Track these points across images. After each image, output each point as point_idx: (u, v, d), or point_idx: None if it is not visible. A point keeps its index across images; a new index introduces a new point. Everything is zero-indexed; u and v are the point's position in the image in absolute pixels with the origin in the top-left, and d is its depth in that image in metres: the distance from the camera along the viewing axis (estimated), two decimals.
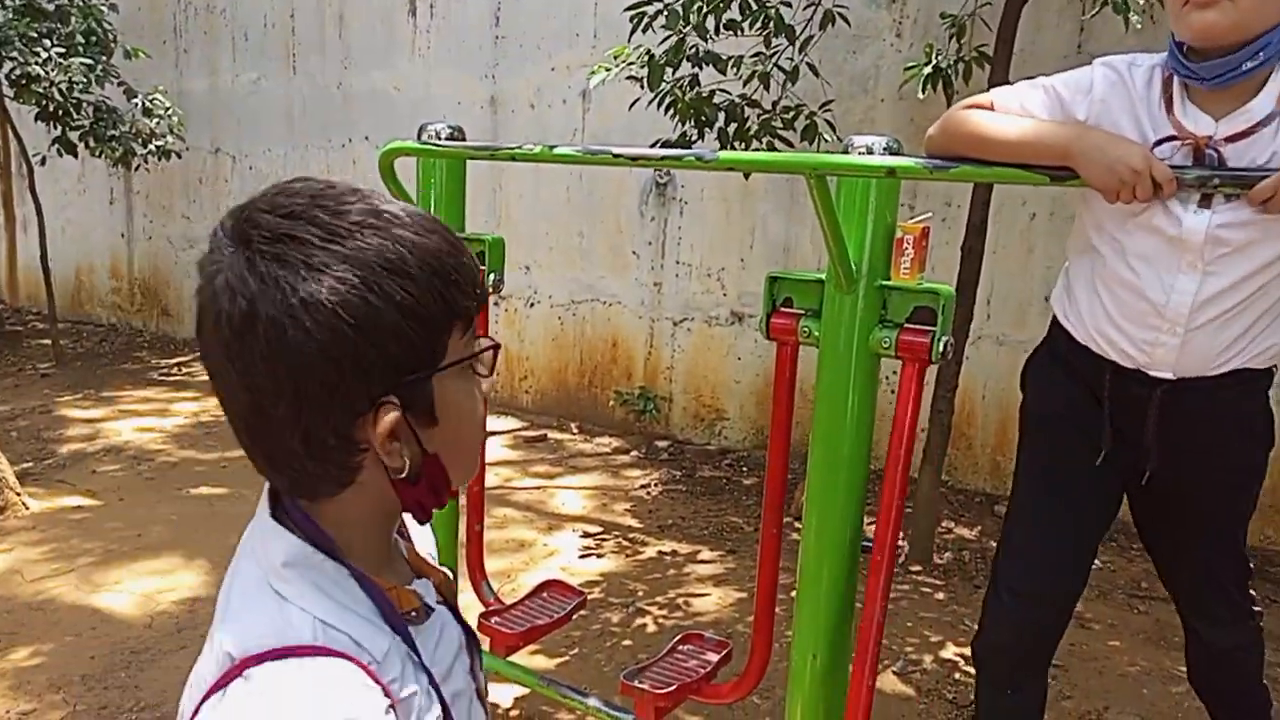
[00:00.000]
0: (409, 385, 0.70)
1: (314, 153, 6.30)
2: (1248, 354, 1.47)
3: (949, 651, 3.07)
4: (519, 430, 5.40)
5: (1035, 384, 1.72)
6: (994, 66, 3.28)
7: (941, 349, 1.66)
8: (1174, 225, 1.34)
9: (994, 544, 3.88)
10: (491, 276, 2.08)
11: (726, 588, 3.46)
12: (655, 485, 4.57)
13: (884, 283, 1.70)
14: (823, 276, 1.75)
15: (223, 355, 0.68)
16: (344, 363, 0.66)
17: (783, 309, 1.84)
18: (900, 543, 3.84)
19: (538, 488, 4.50)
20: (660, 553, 3.77)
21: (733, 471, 4.79)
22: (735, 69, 3.59)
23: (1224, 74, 1.24)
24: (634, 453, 5.05)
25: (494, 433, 5.31)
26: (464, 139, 2.01)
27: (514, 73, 5.40)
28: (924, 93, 3.59)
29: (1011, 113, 1.41)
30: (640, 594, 3.39)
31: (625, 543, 3.86)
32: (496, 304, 5.67)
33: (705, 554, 3.78)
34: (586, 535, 3.92)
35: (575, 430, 5.40)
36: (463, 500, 2.22)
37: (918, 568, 3.68)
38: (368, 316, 0.66)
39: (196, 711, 0.68)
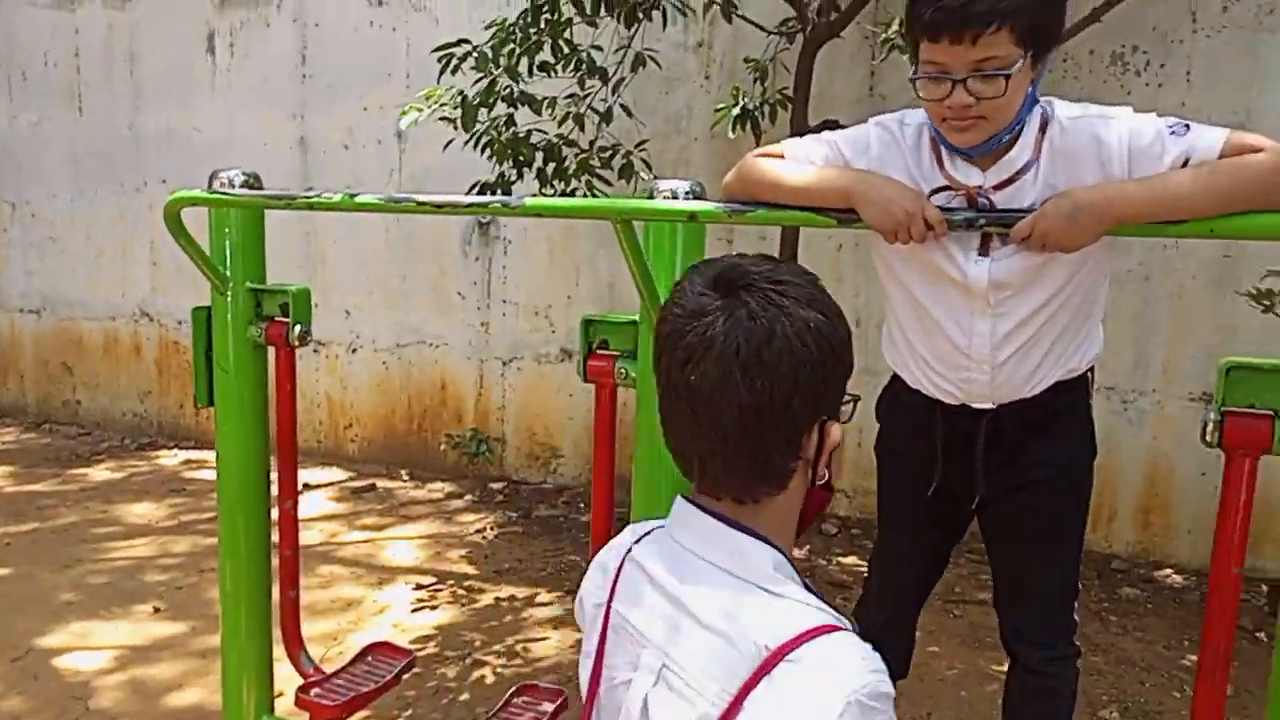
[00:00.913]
0: (840, 407, 0.95)
1: (104, 197, 5.87)
2: (1059, 370, 1.59)
3: None
4: (345, 481, 5.18)
5: (882, 421, 1.80)
6: (794, 108, 3.45)
7: None
8: (959, 274, 1.44)
9: (823, 566, 4.02)
10: (297, 328, 1.98)
11: (566, 629, 3.42)
12: (491, 529, 4.48)
13: None
14: (636, 318, 1.77)
15: (731, 372, 0.88)
16: (822, 373, 0.90)
17: (599, 351, 1.84)
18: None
19: (366, 541, 4.32)
20: (497, 599, 3.69)
21: (570, 509, 4.76)
22: (550, 110, 3.62)
23: (979, 150, 1.36)
24: (468, 496, 4.94)
25: (318, 485, 5.07)
26: (260, 185, 1.91)
27: (324, 112, 5.24)
28: (734, 132, 3.73)
29: (800, 161, 1.48)
30: (477, 644, 3.30)
31: (460, 592, 3.76)
32: (316, 350, 5.44)
33: (544, 596, 3.73)
34: (419, 587, 3.79)
35: (406, 477, 5.24)
36: (275, 564, 2.09)
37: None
38: (841, 342, 0.93)
39: (738, 702, 0.82)
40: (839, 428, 0.95)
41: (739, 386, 0.88)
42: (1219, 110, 3.75)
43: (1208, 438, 1.44)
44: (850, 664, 0.83)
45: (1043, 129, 1.40)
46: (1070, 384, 1.58)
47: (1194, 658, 3.32)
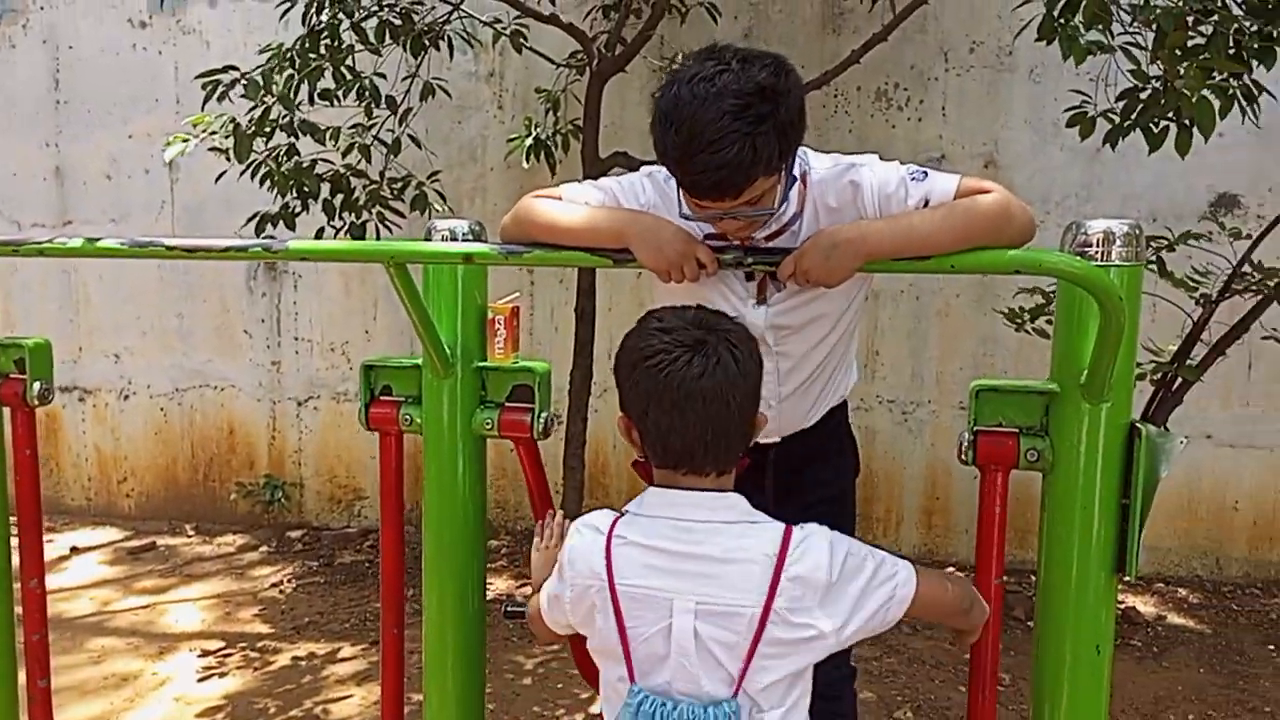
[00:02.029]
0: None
1: None
2: (830, 399, 1.68)
3: (597, 706, 3.12)
4: (121, 541, 4.74)
5: None
6: (585, 138, 3.47)
7: (543, 425, 1.68)
8: (739, 317, 1.48)
9: None
10: (37, 386, 1.78)
11: (371, 685, 3.25)
12: (289, 581, 4.22)
13: (481, 364, 1.69)
14: (419, 362, 1.70)
15: (724, 389, 1.25)
16: (758, 386, 1.30)
17: (382, 398, 1.77)
18: None
19: (145, 606, 3.95)
20: (295, 659, 3.46)
21: (375, 553, 4.55)
22: (334, 140, 3.47)
23: None
24: (263, 548, 4.63)
25: (89, 548, 4.61)
26: None
27: (82, 140, 4.81)
28: (528, 162, 3.72)
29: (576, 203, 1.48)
30: (272, 711, 3.08)
31: (253, 654, 3.50)
32: (82, 400, 4.96)
33: (347, 650, 3.53)
34: (206, 653, 3.50)
35: (191, 532, 4.85)
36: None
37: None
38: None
39: (780, 567, 1.23)
40: (763, 417, 1.35)
41: (736, 392, 1.25)
42: (970, 142, 4.09)
43: (963, 456, 1.54)
44: (816, 528, 1.28)
45: (803, 179, 1.46)
46: (836, 410, 1.67)
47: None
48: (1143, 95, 2.94)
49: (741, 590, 1.22)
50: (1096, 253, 1.41)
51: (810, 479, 1.61)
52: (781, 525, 1.28)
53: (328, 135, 3.46)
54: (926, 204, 1.40)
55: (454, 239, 1.58)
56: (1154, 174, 3.92)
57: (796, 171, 1.46)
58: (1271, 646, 3.60)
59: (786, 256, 1.35)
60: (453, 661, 1.75)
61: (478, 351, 1.68)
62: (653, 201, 1.49)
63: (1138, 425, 1.44)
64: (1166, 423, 3.61)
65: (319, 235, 3.60)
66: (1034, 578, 4.07)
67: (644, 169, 1.56)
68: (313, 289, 4.75)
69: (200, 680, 3.30)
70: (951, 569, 4.29)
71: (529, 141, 3.67)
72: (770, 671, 1.24)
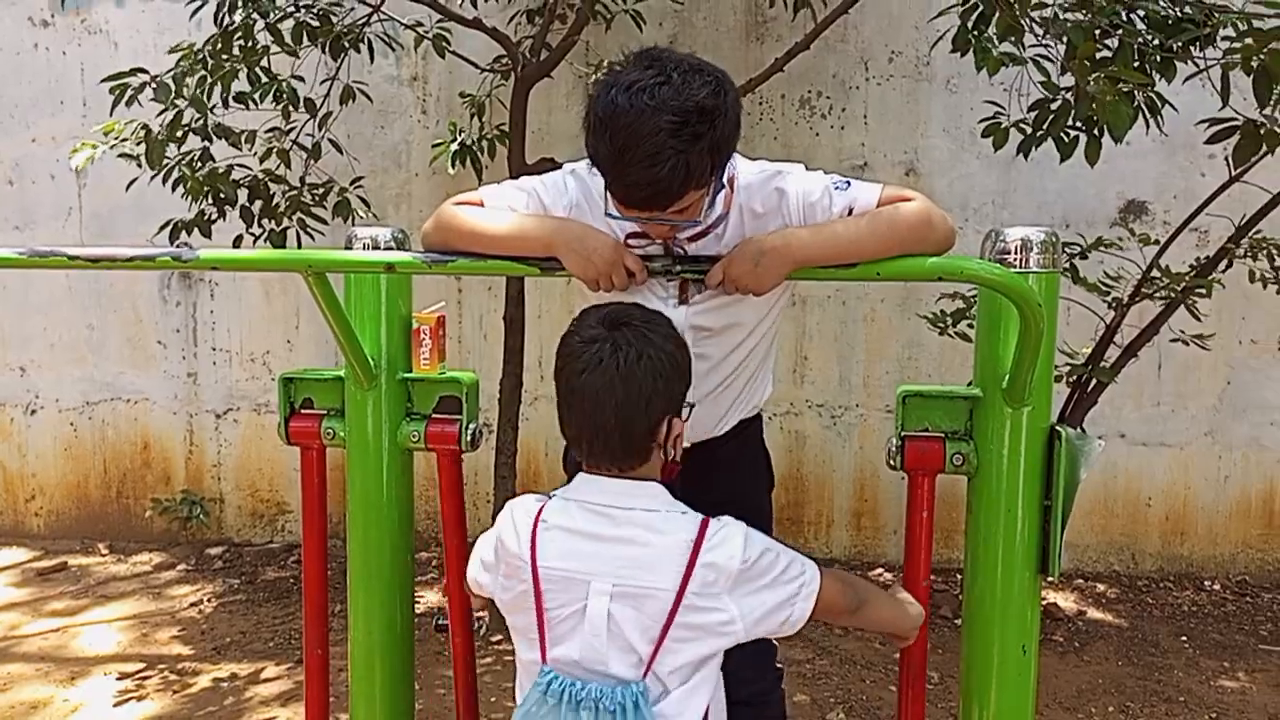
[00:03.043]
0: (681, 409, 1.36)
1: None
2: (743, 409, 1.66)
3: None
4: (28, 562, 4.52)
5: None
6: (512, 144, 3.44)
7: (470, 437, 1.65)
8: None
9: None
10: None
11: (297, 705, 3.16)
12: (209, 600, 4.08)
13: (406, 375, 1.65)
14: (342, 374, 1.66)
15: (614, 380, 1.28)
16: (673, 383, 1.32)
17: (303, 411, 1.71)
18: (480, 615, 3.82)
19: (56, 630, 3.78)
20: (217, 680, 3.35)
21: (300, 569, 4.43)
22: (250, 144, 3.37)
23: None
24: (181, 566, 4.47)
25: None
26: None
27: None
28: (454, 168, 3.66)
29: (499, 210, 1.45)
30: None
31: (173, 676, 3.37)
32: None
33: (271, 670, 3.43)
34: (123, 677, 3.36)
35: (104, 551, 4.66)
36: None
37: (499, 636, 3.67)
38: (685, 365, 1.35)
39: (696, 553, 1.28)
40: (680, 422, 1.36)
41: (617, 391, 1.27)
42: (892, 150, 4.17)
43: (891, 461, 1.56)
44: (731, 520, 1.33)
45: (730, 184, 1.46)
46: (750, 422, 1.67)
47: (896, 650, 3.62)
48: (1053, 106, 3.03)
49: (657, 573, 1.27)
50: (1015, 260, 1.45)
51: (723, 491, 1.60)
52: (700, 516, 1.33)
53: (244, 139, 3.36)
54: (850, 212, 1.41)
55: (376, 247, 1.54)
56: (1066, 182, 4.04)
57: (724, 177, 1.46)
58: (1184, 638, 3.73)
59: (714, 265, 1.34)
60: (380, 679, 1.71)
61: (402, 362, 1.65)
62: (576, 200, 1.47)
63: (1057, 429, 1.47)
64: (1082, 423, 3.72)
65: (237, 243, 3.49)
66: (959, 576, 4.16)
67: (566, 166, 1.54)
68: (231, 297, 4.61)
69: (116, 705, 3.16)
70: (880, 570, 4.36)
71: (454, 147, 3.61)
72: (679, 655, 1.28)
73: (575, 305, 4.48)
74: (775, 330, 1.64)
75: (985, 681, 1.52)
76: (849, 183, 1.45)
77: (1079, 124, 2.96)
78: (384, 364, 1.63)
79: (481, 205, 1.46)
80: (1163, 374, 4.15)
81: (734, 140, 1.34)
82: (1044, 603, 3.99)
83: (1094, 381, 3.58)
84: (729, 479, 1.64)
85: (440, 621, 1.72)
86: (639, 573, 1.28)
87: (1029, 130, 3.12)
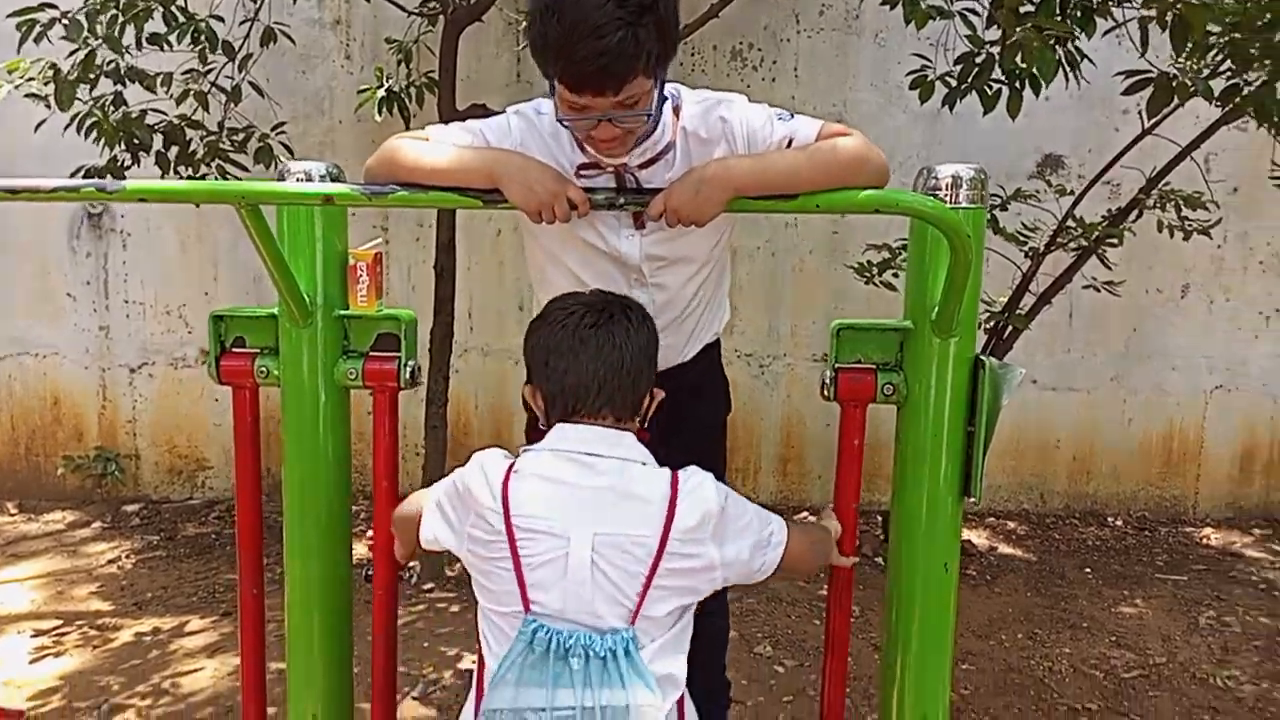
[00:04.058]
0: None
1: None
2: (705, 336, 1.71)
3: (466, 661, 3.11)
4: None
5: None
6: (441, 91, 3.38)
7: (409, 374, 1.65)
8: (613, 249, 1.49)
9: None
10: None
11: (224, 655, 3.12)
12: (127, 557, 3.98)
13: (342, 313, 1.63)
14: (275, 311, 1.63)
15: (629, 333, 1.37)
16: (656, 357, 1.42)
17: (234, 350, 1.68)
18: (411, 564, 3.81)
19: None
20: (139, 634, 3.28)
21: (222, 524, 4.35)
22: (166, 87, 3.24)
23: None
24: (96, 524, 4.35)
25: None
26: None
27: None
28: (380, 115, 3.58)
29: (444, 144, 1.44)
30: (115, 689, 2.92)
31: (93, 632, 3.30)
32: None
33: (195, 624, 3.38)
34: (39, 634, 3.27)
35: (14, 510, 4.50)
36: None
37: (430, 585, 3.68)
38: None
39: (674, 501, 1.30)
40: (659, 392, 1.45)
41: (633, 342, 1.36)
42: (821, 103, 4.22)
43: (825, 392, 1.61)
44: (702, 472, 1.35)
45: (676, 112, 1.48)
46: (711, 347, 1.71)
47: (821, 589, 3.75)
48: (978, 59, 3.11)
49: (640, 522, 1.28)
50: (945, 195, 1.50)
51: (691, 416, 1.64)
52: (667, 469, 1.35)
53: (158, 82, 3.23)
54: (790, 144, 1.44)
55: (310, 180, 1.51)
56: (988, 136, 4.15)
57: (670, 102, 1.47)
58: (1088, 570, 3.95)
59: (656, 196, 1.36)
60: (319, 625, 1.70)
61: (339, 300, 1.63)
62: (521, 140, 1.47)
63: (981, 358, 1.54)
64: None
65: None
66: (881, 518, 4.30)
67: (510, 108, 1.53)
68: (144, 248, 4.45)
69: (33, 662, 3.08)
70: (805, 514, 4.48)
71: (381, 93, 3.53)
72: (665, 602, 1.29)
73: (505, 258, 4.46)
74: (726, 257, 1.67)
75: (910, 597, 1.60)
76: (791, 115, 1.48)
77: (1002, 77, 3.04)
78: (320, 301, 1.60)
79: (428, 142, 1.45)
80: (1074, 322, 4.33)
81: (675, 34, 1.34)
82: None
83: (1010, 328, 3.72)
84: (694, 403, 1.68)
85: (369, 572, 1.71)
86: (622, 522, 1.27)
87: (954, 83, 3.20)
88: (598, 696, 1.22)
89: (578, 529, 1.27)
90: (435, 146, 1.42)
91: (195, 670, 3.04)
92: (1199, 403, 4.40)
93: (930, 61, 3.27)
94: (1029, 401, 4.40)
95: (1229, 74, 2.64)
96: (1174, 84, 2.55)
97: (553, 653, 1.25)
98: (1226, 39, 2.55)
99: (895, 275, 3.68)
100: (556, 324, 1.35)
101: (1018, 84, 3.01)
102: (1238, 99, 2.58)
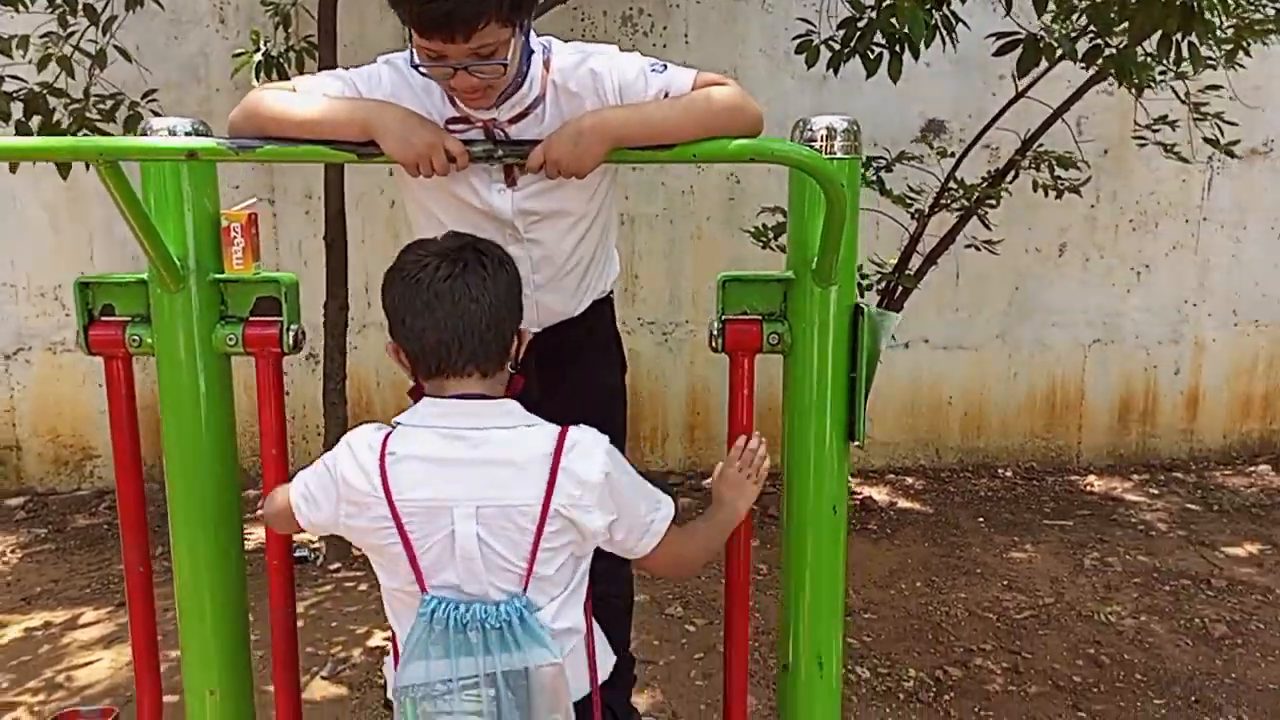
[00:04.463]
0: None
1: None
2: (593, 291, 1.70)
3: (376, 639, 3.07)
4: None
5: None
6: (321, 56, 3.28)
7: (293, 339, 1.60)
8: (485, 205, 1.47)
9: None
10: None
11: (121, 646, 3.01)
12: (13, 552, 3.80)
13: (217, 276, 1.58)
14: (145, 276, 1.57)
15: (484, 281, 1.31)
16: (520, 296, 1.38)
17: (103, 319, 1.61)
18: (316, 545, 3.73)
19: None
20: (29, 629, 3.14)
21: (114, 514, 4.16)
22: (23, 51, 3.06)
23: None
24: None
25: None
26: None
27: None
28: (258, 81, 3.45)
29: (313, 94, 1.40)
30: (5, 685, 2.79)
31: None
32: None
33: (89, 615, 3.25)
34: None
35: None
36: None
37: (337, 565, 3.61)
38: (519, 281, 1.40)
39: (556, 465, 1.28)
40: (526, 333, 1.43)
41: (488, 291, 1.30)
42: (712, 68, 4.13)
43: (714, 344, 1.63)
44: (592, 433, 1.34)
45: (546, 65, 1.46)
46: (601, 304, 1.71)
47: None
48: (860, 24, 3.18)
49: (520, 489, 1.27)
50: (820, 146, 1.53)
51: (578, 374, 1.64)
52: (556, 427, 1.33)
53: (14, 45, 3.04)
54: (666, 96, 1.45)
55: (175, 136, 1.45)
56: (873, 102, 4.25)
57: (540, 55, 1.46)
58: (981, 519, 4.12)
59: (535, 147, 1.35)
60: (211, 603, 1.65)
61: (213, 263, 1.57)
62: (392, 91, 1.43)
63: (860, 305, 1.58)
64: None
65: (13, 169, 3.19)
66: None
67: (380, 58, 1.49)
68: (14, 228, 4.21)
69: None
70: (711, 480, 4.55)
71: (258, 58, 3.40)
72: (554, 561, 1.30)
73: (400, 230, 4.37)
74: (610, 211, 1.66)
75: (802, 541, 1.64)
76: (665, 66, 1.49)
77: (883, 42, 3.12)
78: (192, 265, 1.54)
79: (295, 93, 1.40)
80: (960, 283, 4.48)
81: None
82: (860, 496, 4.31)
83: (900, 288, 3.84)
84: (586, 362, 1.67)
85: (303, 554, 1.67)
86: (501, 492, 1.27)
87: (838, 47, 3.26)
88: (498, 663, 1.25)
89: (460, 505, 1.27)
90: (304, 98, 1.37)
91: (90, 663, 2.93)
92: (1079, 356, 4.62)
93: (815, 27, 3.32)
94: (921, 361, 4.56)
95: (1092, 36, 2.76)
96: (1041, 44, 2.65)
97: (452, 628, 1.26)
98: (1088, 3, 2.67)
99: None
100: (410, 279, 1.30)
101: (897, 48, 3.09)
102: (1100, 60, 2.70)
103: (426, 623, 1.27)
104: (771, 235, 3.76)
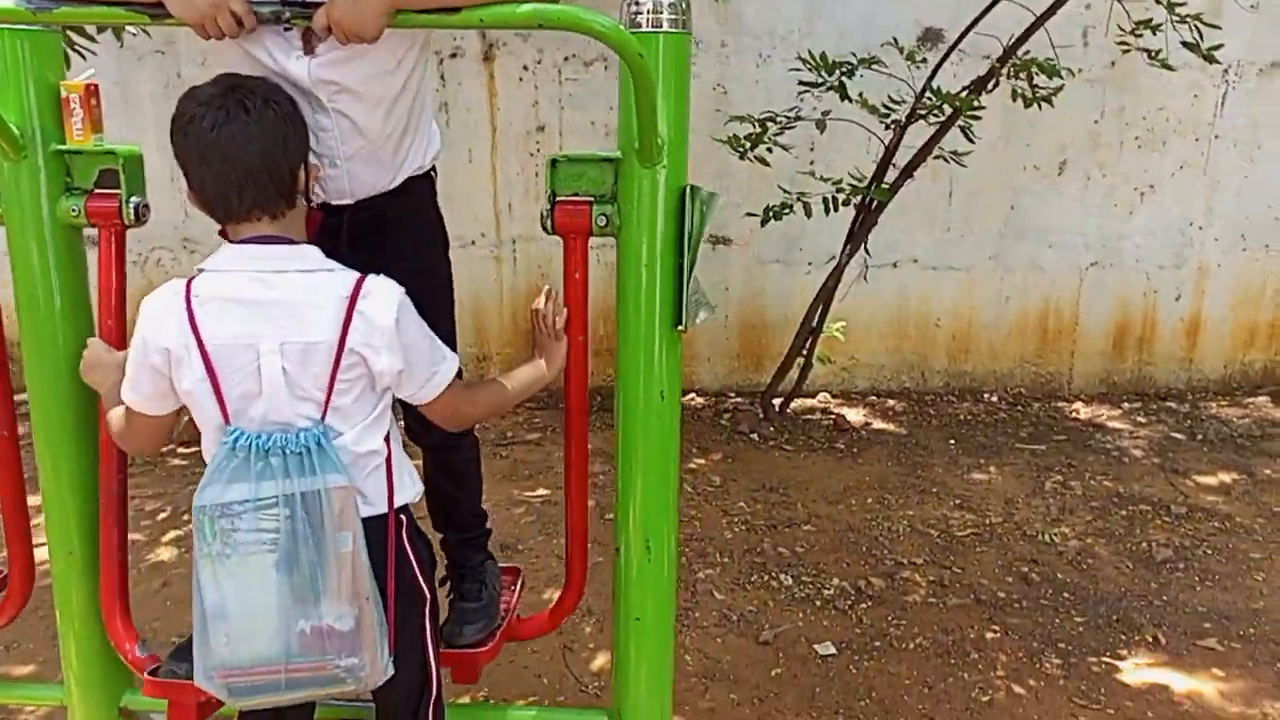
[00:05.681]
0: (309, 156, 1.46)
1: None
2: (409, 166, 1.69)
3: None
4: None
5: None
6: None
7: (133, 211, 1.64)
8: (283, 71, 1.46)
9: None
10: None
11: None
12: None
13: (59, 147, 1.62)
14: None
15: (249, 126, 1.33)
16: (300, 127, 1.42)
17: None
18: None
19: None
20: None
21: None
22: None
23: None
24: None
25: None
26: None
27: None
28: None
29: None
30: None
31: None
32: None
33: None
34: None
35: None
36: None
37: None
38: (301, 114, 1.44)
39: (351, 306, 1.36)
40: (315, 168, 1.48)
41: (254, 135, 1.33)
42: None
43: (545, 225, 1.62)
44: (389, 283, 1.40)
45: None
46: (418, 180, 1.70)
47: (700, 462, 3.85)
48: None
49: (318, 326, 1.35)
50: (645, 20, 1.48)
51: (392, 248, 1.64)
52: (356, 273, 1.40)
53: None
54: None
55: None
56: (867, 10, 4.09)
57: None
58: (953, 441, 4.07)
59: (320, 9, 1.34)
60: (66, 466, 1.71)
61: (55, 134, 1.61)
62: None
63: (692, 187, 1.56)
64: (867, 243, 3.91)
65: None
66: (760, 398, 4.36)
67: None
68: None
69: None
70: (694, 395, 4.54)
71: None
72: (349, 395, 1.39)
73: None
74: (422, 87, 1.64)
75: (632, 425, 1.64)
76: None
77: None
78: (35, 136, 1.58)
79: None
80: (953, 201, 4.34)
81: None
82: (833, 415, 4.28)
83: (875, 202, 3.74)
84: (400, 237, 1.68)
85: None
86: (301, 329, 1.35)
87: None
88: (296, 485, 1.33)
89: (264, 342, 1.35)
90: None
91: None
92: (1074, 280, 4.46)
93: None
94: (909, 281, 4.46)
95: None
96: None
97: (253, 455, 1.34)
98: None
99: (769, 150, 3.67)
100: (183, 131, 1.33)
101: None
102: None
103: (229, 449, 1.35)
104: (748, 145, 3.68)
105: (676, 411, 1.67)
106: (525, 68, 4.27)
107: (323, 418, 1.38)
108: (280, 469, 1.34)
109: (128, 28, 3.49)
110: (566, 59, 4.24)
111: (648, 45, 1.47)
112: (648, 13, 1.49)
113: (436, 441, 1.86)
